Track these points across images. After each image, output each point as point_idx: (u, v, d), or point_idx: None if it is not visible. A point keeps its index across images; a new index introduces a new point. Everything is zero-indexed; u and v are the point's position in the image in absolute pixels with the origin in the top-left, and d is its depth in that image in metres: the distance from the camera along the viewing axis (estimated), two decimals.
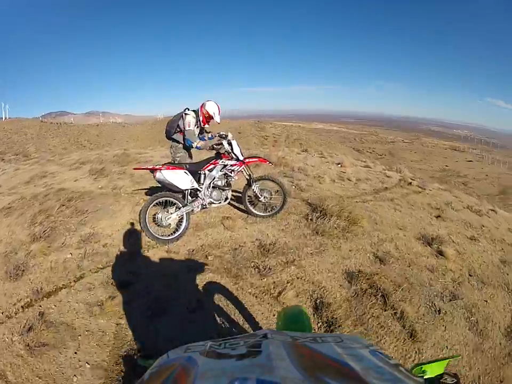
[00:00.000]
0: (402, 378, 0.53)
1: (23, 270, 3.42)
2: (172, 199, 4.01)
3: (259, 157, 4.69)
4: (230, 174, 4.28)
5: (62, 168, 8.84)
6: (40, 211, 4.94)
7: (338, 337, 0.69)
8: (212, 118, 4.49)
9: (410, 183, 7.45)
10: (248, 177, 4.37)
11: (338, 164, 8.76)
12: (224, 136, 4.31)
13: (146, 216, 3.82)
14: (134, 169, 4.21)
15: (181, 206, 4.03)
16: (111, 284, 3.20)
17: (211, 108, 4.44)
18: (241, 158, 4.23)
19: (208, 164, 4.22)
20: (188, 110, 4.47)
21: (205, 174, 4.22)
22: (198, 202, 4.16)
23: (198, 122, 4.50)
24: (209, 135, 4.82)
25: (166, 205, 4.03)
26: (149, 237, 3.87)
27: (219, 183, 4.27)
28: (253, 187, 4.36)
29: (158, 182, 4.07)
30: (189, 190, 4.15)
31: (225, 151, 4.22)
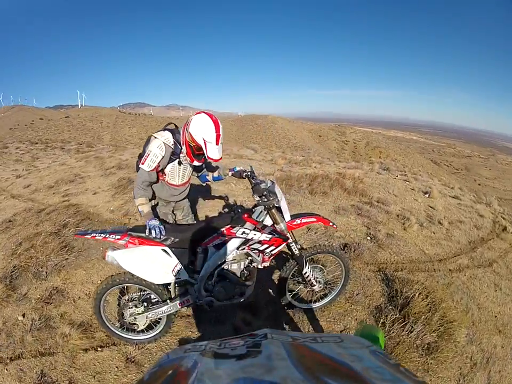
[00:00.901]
0: (402, 378, 0.51)
1: None
2: (143, 287, 2.35)
3: (316, 215, 2.55)
4: (256, 256, 2.37)
5: (96, 172, 8.24)
6: (28, 237, 4.10)
7: (338, 337, 0.67)
8: (201, 150, 2.34)
9: (505, 227, 5.82)
10: (295, 251, 2.46)
11: (426, 193, 6.89)
12: (259, 186, 2.31)
13: (101, 304, 2.34)
14: (75, 235, 2.48)
15: (158, 300, 2.39)
16: None
17: (199, 131, 2.26)
18: (284, 225, 2.33)
19: (216, 236, 2.27)
20: (167, 129, 2.50)
21: (205, 252, 2.31)
22: (188, 301, 2.37)
23: (178, 155, 2.49)
24: (216, 174, 2.88)
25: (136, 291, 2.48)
26: (106, 331, 2.50)
27: (233, 270, 2.35)
28: (305, 269, 2.55)
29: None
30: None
31: (262, 210, 2.32)
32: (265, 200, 2.24)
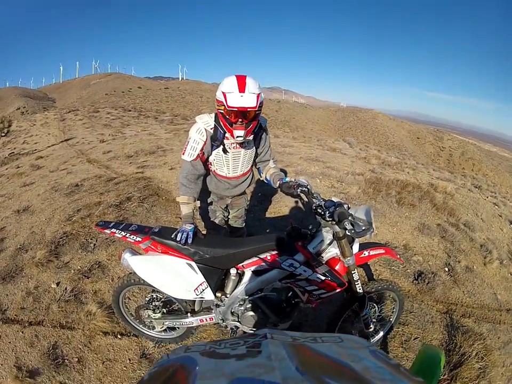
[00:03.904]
0: (402, 378, 0.50)
1: (13, 277, 3.03)
2: (160, 295, 2.15)
3: (384, 246, 2.12)
4: (300, 294, 1.91)
5: (181, 146, 8.15)
6: (88, 205, 4.33)
7: (338, 337, 0.65)
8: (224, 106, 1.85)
9: None
10: (359, 290, 1.91)
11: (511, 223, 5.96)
12: (342, 207, 1.68)
13: (120, 300, 2.20)
14: (95, 226, 2.14)
15: (180, 309, 2.14)
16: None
17: (219, 89, 1.87)
18: (353, 259, 1.80)
19: (257, 260, 1.86)
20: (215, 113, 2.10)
21: (239, 276, 1.91)
22: (211, 319, 2.05)
23: (222, 141, 2.10)
24: (269, 177, 2.35)
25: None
26: (126, 326, 2.37)
27: (270, 301, 1.92)
28: (365, 311, 2.03)
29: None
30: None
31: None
32: (352, 229, 1.58)
